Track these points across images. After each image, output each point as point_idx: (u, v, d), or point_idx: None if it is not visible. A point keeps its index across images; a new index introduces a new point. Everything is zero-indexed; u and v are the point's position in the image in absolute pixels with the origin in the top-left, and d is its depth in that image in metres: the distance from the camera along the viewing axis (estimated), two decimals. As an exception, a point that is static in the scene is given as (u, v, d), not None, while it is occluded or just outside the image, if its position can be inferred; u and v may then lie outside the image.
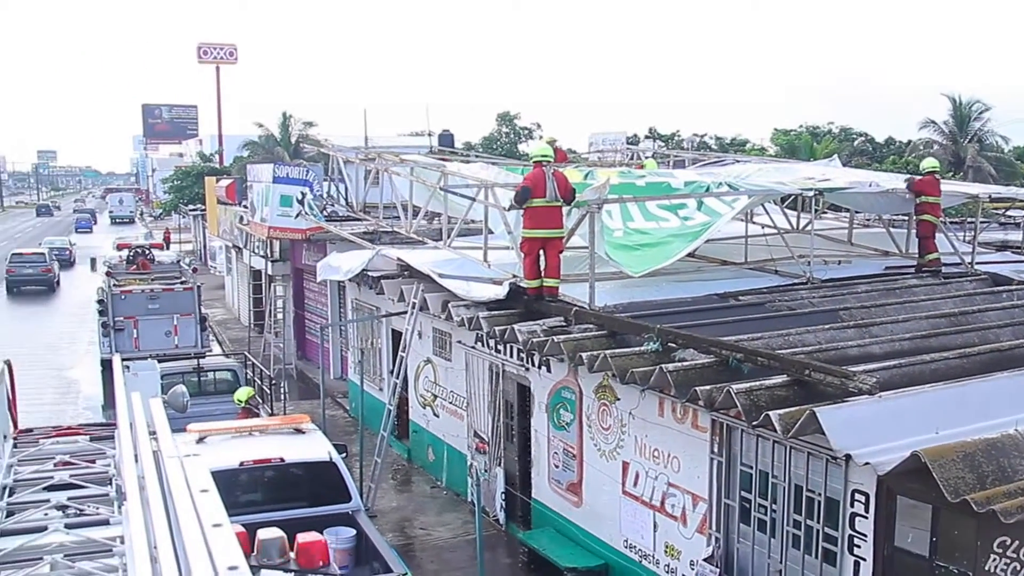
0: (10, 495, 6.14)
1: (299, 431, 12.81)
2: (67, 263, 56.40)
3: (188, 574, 3.66)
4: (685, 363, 10.60)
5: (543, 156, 13.64)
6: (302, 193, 23.40)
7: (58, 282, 49.91)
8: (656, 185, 16.39)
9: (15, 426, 8.36)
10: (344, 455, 12.76)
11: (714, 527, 10.72)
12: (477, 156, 30.12)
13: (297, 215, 23.47)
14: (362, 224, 22.28)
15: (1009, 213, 25.83)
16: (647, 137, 61.26)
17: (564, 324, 12.97)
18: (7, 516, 5.77)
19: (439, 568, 14.23)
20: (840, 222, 20.52)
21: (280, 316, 27.77)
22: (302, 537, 6.58)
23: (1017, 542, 7.46)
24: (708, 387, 9.78)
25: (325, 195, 24.74)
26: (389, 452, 17.24)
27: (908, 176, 16.60)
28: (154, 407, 6.17)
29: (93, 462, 6.77)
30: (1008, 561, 7.54)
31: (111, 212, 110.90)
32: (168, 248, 48.82)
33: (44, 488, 6.14)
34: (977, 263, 16.31)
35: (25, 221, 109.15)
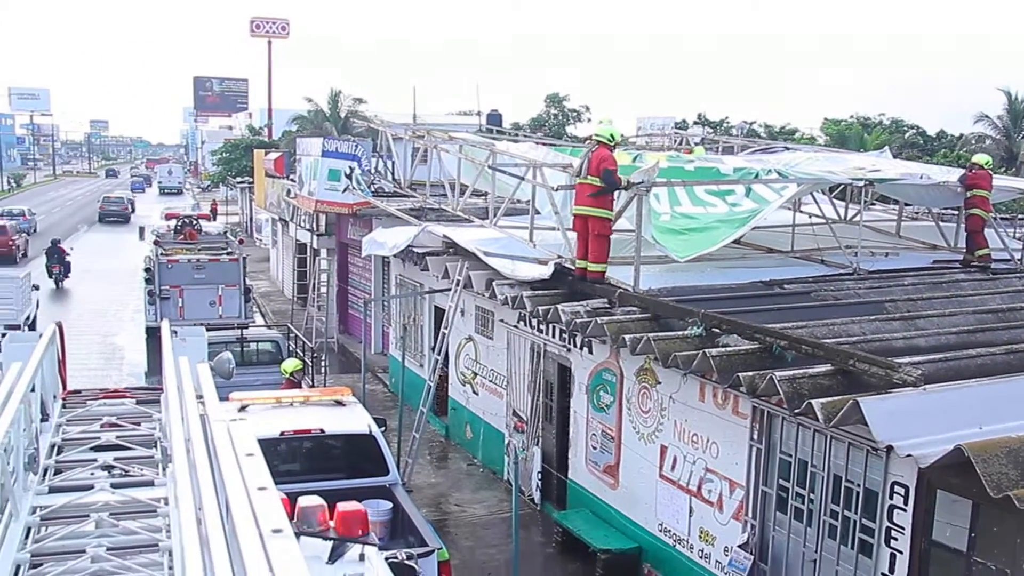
0: (58, 454, 6.23)
1: (340, 403, 12.91)
2: (132, 209, 73.71)
3: (233, 535, 3.72)
4: (728, 349, 10.58)
5: (596, 135, 13.59)
6: (350, 168, 23.48)
7: (129, 218, 68.69)
8: (705, 170, 16.30)
9: (64, 387, 8.49)
10: (383, 429, 12.84)
11: (750, 514, 10.70)
12: (526, 137, 30.06)
13: (345, 189, 23.56)
14: (409, 201, 22.35)
15: (1062, 210, 25.46)
16: (696, 123, 60.84)
17: (608, 306, 12.97)
18: (55, 474, 5.87)
19: (473, 544, 14.32)
20: (889, 214, 20.31)
21: (324, 290, 27.94)
22: (342, 506, 6.63)
23: (1058, 540, 7.38)
24: (751, 373, 9.76)
25: (373, 171, 24.83)
26: (427, 428, 17.35)
27: (963, 173, 16.37)
28: (201, 372, 6.24)
29: (139, 424, 6.84)
30: (1048, 559, 7.47)
31: (160, 183, 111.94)
32: (215, 219, 49.22)
33: (91, 448, 6.22)
34: (1027, 260, 16.09)
35: (77, 189, 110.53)
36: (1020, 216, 20.36)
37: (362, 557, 6.49)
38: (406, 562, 8.53)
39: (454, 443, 19.13)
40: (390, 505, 11.56)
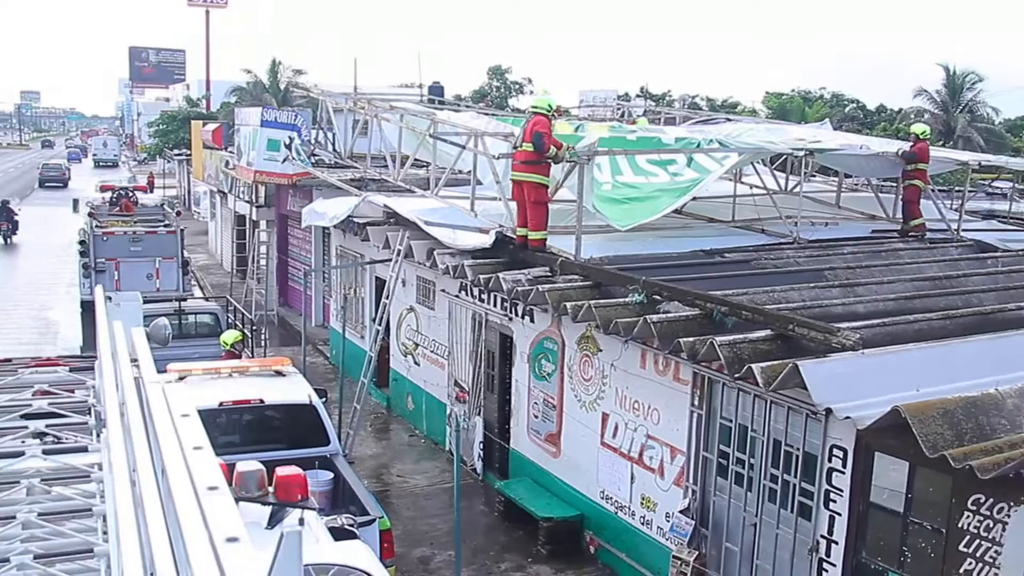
0: (-14, 421, 6.07)
1: (279, 374, 12.77)
2: (69, 176, 76.99)
3: (168, 495, 3.63)
4: (669, 315, 10.62)
5: (534, 105, 13.63)
6: (290, 138, 23.22)
7: (67, 183, 72.25)
8: (647, 140, 16.32)
9: (-7, 355, 8.30)
10: (324, 400, 12.74)
11: (691, 480, 10.78)
12: (468, 107, 29.89)
13: (284, 160, 23.29)
14: (349, 171, 22.14)
15: (995, 183, 25.97)
16: (638, 96, 60.97)
17: (549, 274, 12.96)
18: (-17, 442, 5.72)
19: (415, 515, 14.29)
20: (828, 185, 20.52)
21: (263, 262, 27.63)
22: (281, 471, 6.56)
23: (991, 500, 7.50)
24: (691, 339, 9.80)
25: (313, 142, 24.56)
26: (368, 400, 17.27)
27: (901, 148, 16.54)
28: (136, 335, 6.11)
29: (72, 392, 6.71)
30: (981, 519, 7.60)
31: (94, 155, 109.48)
32: (152, 192, 48.49)
33: (21, 416, 6.07)
34: (963, 230, 16.35)
35: (8, 161, 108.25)
36: (957, 188, 20.67)
37: (301, 522, 6.42)
38: (347, 527, 8.47)
39: (396, 414, 19.05)
40: (331, 475, 11.49)
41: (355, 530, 8.68)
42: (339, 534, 8.05)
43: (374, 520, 9.99)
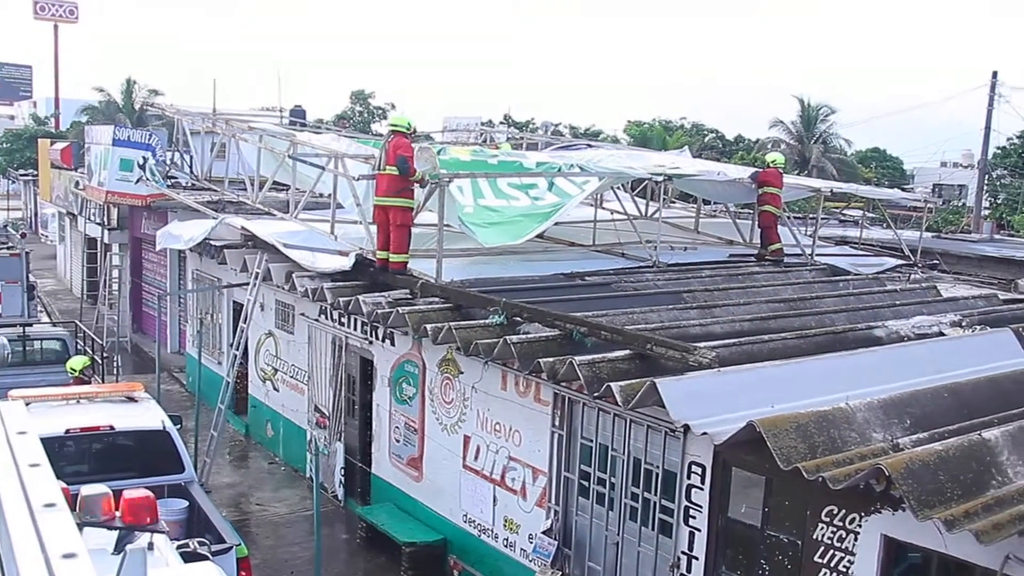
0: None
1: (131, 399, 12.36)
2: None
3: (1, 515, 3.42)
4: (529, 336, 10.66)
5: (393, 124, 13.59)
6: (144, 158, 22.55)
7: None
8: (508, 164, 16.40)
9: None
10: (179, 427, 12.34)
11: (553, 500, 10.78)
12: (329, 130, 29.59)
13: (138, 180, 22.58)
14: (207, 194, 21.65)
15: (847, 211, 27.00)
16: (501, 123, 61.48)
17: (410, 297, 12.88)
18: None
19: (275, 543, 13.94)
20: (688, 211, 20.96)
21: (116, 287, 26.73)
22: (129, 493, 6.27)
23: (843, 511, 7.70)
24: (551, 359, 9.83)
25: (169, 163, 23.93)
26: (226, 427, 16.85)
27: (754, 171, 17.09)
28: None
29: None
30: (835, 530, 7.78)
31: None
32: (-5, 214, 46.54)
33: None
34: (817, 255, 16.92)
35: None
36: (811, 215, 21.42)
37: (151, 546, 6.15)
38: (199, 551, 8.17)
39: (255, 442, 18.61)
40: (186, 504, 11.12)
41: (208, 553, 8.37)
42: (190, 558, 7.77)
43: (231, 548, 9.69)
